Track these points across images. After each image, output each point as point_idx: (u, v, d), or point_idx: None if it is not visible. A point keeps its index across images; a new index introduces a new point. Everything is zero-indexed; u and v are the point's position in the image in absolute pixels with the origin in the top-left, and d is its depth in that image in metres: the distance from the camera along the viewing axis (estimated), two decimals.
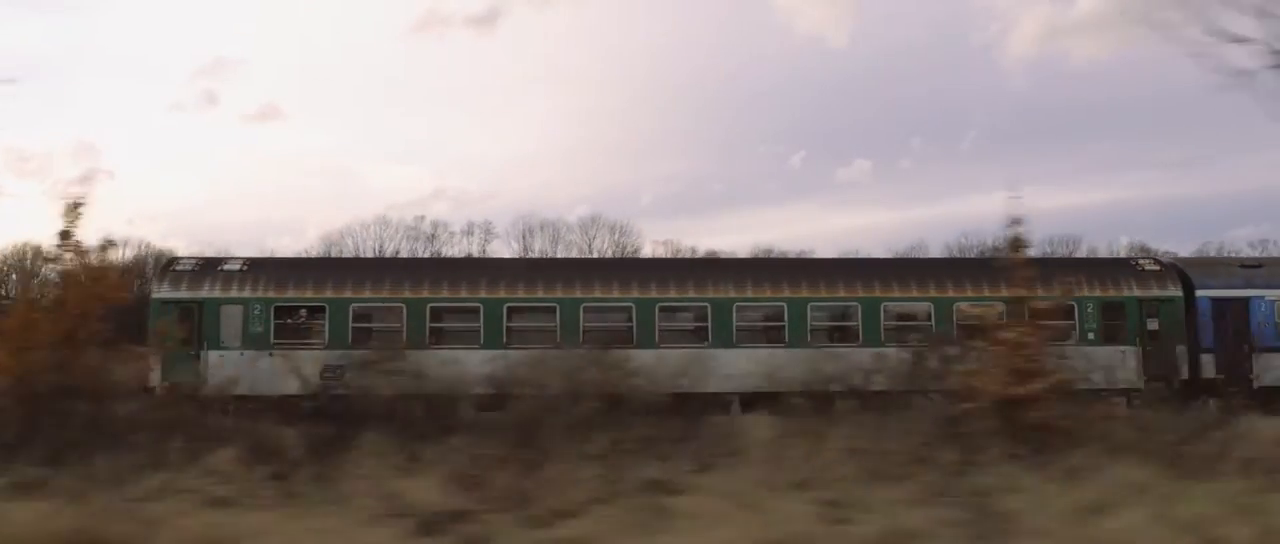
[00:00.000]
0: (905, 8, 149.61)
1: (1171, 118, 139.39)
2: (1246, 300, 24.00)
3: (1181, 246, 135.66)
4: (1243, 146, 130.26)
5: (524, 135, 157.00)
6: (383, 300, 22.49)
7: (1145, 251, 23.85)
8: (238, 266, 23.07)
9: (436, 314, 22.69)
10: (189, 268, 22.97)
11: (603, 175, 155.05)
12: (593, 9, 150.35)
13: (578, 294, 23.04)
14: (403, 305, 22.36)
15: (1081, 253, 71.25)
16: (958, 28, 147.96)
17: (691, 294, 23.32)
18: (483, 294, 22.83)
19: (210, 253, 29.54)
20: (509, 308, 22.65)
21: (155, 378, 21.43)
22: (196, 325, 21.84)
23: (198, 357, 21.67)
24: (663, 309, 23.07)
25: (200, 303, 21.93)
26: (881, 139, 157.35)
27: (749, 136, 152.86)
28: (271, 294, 22.18)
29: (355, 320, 22.13)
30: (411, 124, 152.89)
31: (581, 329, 22.31)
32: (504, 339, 22.42)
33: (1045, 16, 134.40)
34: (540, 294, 23.07)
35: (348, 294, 22.38)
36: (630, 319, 22.98)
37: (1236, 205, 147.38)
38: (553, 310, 22.87)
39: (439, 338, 22.35)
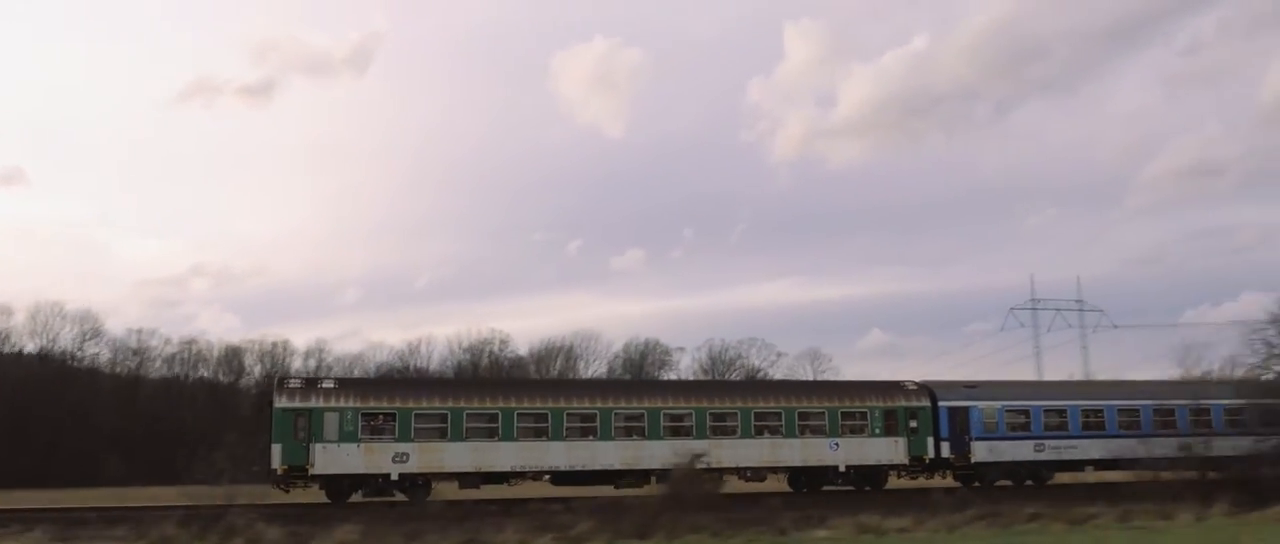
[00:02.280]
0: (679, 103, 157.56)
1: (919, 219, 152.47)
2: (968, 408, 38.47)
3: (925, 338, 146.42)
4: (981, 248, 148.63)
5: (292, 211, 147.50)
6: (433, 408, 33.43)
7: (907, 378, 37.21)
8: (332, 385, 33.51)
9: (458, 417, 33.66)
10: (298, 386, 33.16)
11: (375, 255, 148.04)
12: (372, 84, 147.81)
13: (512, 404, 34.10)
14: (448, 412, 33.39)
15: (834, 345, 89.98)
16: (728, 125, 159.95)
17: (587, 405, 34.99)
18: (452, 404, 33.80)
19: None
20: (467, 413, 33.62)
21: (276, 460, 31.51)
22: (307, 425, 32.01)
23: (308, 447, 31.83)
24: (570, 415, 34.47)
25: (309, 410, 32.17)
26: (655, 229, 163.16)
27: (526, 222, 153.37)
28: (357, 404, 32.70)
29: (416, 422, 32.93)
30: (171, 195, 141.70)
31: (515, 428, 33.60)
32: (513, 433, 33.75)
33: (809, 119, 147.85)
34: (486, 404, 34.06)
35: (410, 405, 33.21)
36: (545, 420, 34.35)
37: (973, 302, 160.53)
38: (496, 416, 33.96)
39: (466, 434, 33.42)
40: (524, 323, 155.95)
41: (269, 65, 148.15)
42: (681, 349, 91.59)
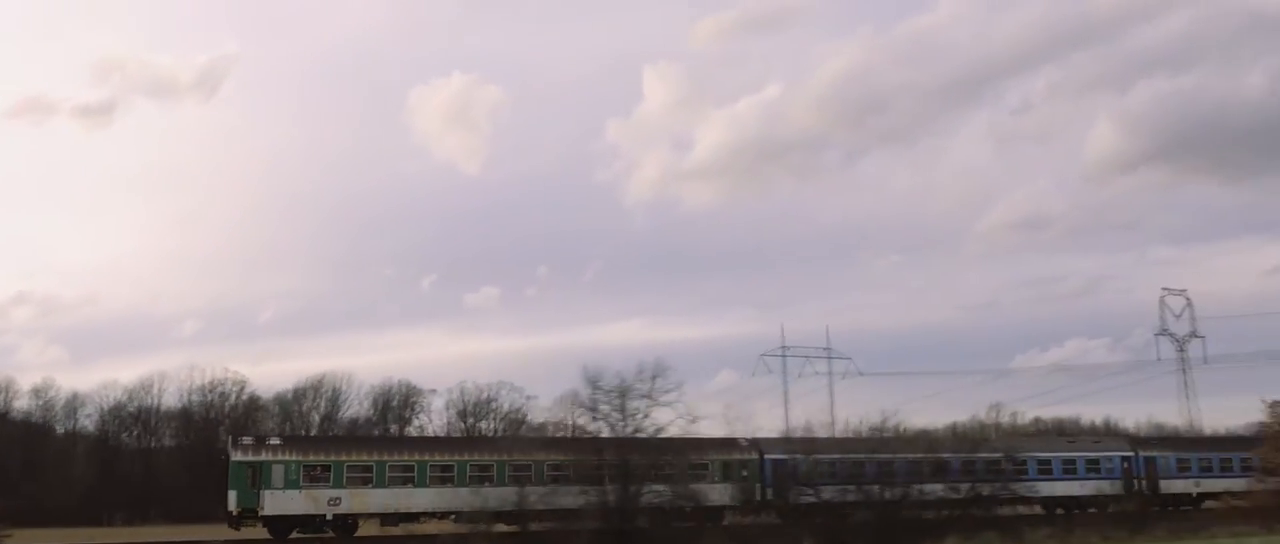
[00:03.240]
0: (537, 142, 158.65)
1: (765, 261, 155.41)
2: (793, 460, 48.37)
3: (771, 376, 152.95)
4: (823, 291, 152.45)
5: (128, 238, 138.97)
6: (361, 462, 41.27)
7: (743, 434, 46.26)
8: (278, 442, 41.02)
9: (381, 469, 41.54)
10: (250, 443, 40.55)
11: (216, 287, 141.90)
12: (220, 108, 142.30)
13: (425, 458, 42.44)
14: (373, 464, 41.30)
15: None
16: (585, 164, 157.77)
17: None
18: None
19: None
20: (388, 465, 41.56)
21: (232, 503, 38.78)
22: (256, 475, 39.39)
23: (257, 492, 39.18)
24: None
25: (260, 464, 39.59)
26: (509, 267, 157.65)
27: (376, 256, 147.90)
28: (299, 458, 40.29)
29: (349, 471, 40.67)
30: None
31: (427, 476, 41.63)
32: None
33: (665, 161, 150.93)
34: (403, 458, 42.22)
35: (344, 458, 40.99)
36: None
37: (818, 342, 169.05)
38: (412, 467, 42.09)
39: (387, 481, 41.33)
40: (372, 358, 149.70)
41: (111, 86, 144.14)
42: (433, 391, 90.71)
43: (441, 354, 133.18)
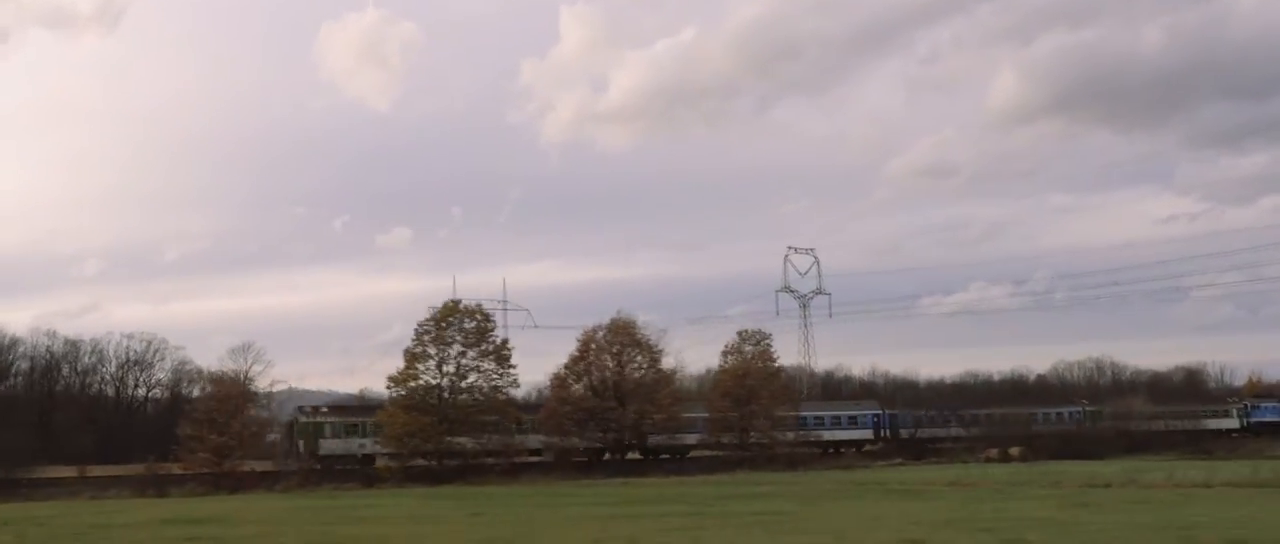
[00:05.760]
0: (451, 80, 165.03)
1: (678, 204, 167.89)
2: None
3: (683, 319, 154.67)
4: (735, 235, 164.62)
5: (21, 174, 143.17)
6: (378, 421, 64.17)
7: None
8: (326, 409, 63.65)
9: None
10: (309, 410, 62.90)
11: (116, 226, 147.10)
12: (120, 42, 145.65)
13: None
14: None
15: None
16: (498, 105, 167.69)
17: None
18: None
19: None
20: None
21: (301, 448, 61.32)
22: (316, 430, 61.88)
23: (317, 440, 61.67)
24: None
25: (318, 423, 62.14)
26: (422, 208, 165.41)
27: (284, 195, 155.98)
28: (341, 419, 62.98)
29: (371, 427, 63.50)
30: None
31: None
32: None
33: (579, 102, 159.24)
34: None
35: (367, 419, 63.86)
36: None
37: (728, 285, 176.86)
38: None
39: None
40: (283, 298, 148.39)
41: (6, 14, 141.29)
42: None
43: (355, 294, 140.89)
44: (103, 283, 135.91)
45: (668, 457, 62.19)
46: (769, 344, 65.89)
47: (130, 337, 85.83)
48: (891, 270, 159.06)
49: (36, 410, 73.78)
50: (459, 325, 55.84)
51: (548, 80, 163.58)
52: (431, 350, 55.51)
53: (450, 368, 55.68)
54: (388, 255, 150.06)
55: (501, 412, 56.59)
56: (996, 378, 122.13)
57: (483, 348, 56.05)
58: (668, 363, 63.18)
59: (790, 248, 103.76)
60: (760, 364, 64.93)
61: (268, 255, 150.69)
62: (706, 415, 63.69)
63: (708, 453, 62.57)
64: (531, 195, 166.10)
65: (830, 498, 31.27)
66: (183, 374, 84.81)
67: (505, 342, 56.80)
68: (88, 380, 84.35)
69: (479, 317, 56.21)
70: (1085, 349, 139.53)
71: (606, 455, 59.54)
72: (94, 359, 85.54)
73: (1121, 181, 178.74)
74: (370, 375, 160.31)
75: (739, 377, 62.90)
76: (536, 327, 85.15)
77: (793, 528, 21.22)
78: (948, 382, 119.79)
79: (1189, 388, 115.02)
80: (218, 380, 57.57)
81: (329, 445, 60.89)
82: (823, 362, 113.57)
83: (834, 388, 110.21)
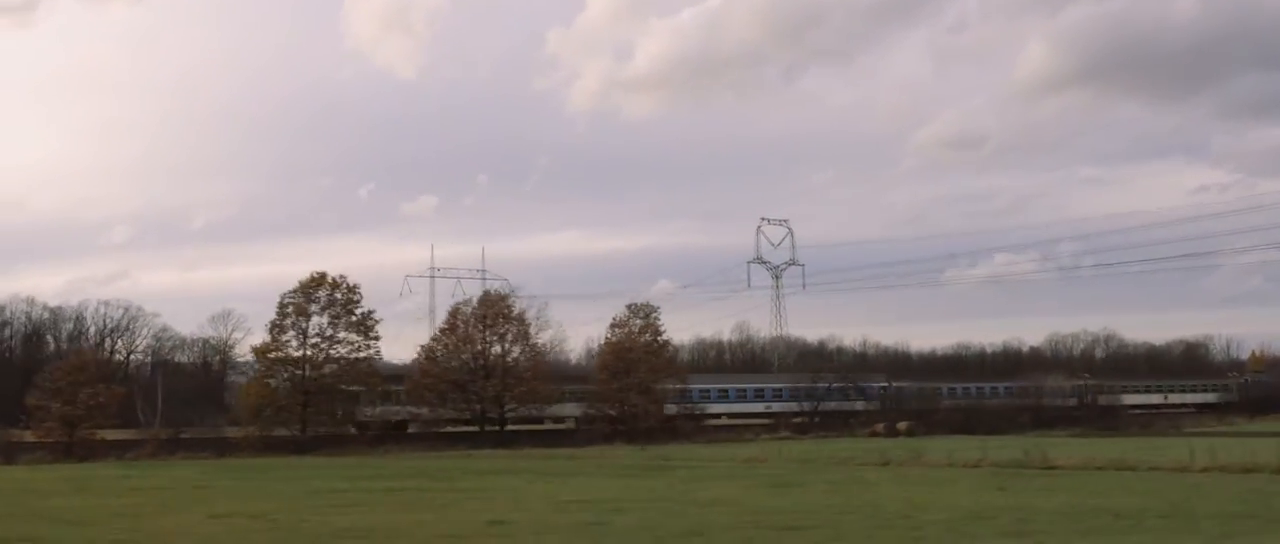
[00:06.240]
0: (474, 49, 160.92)
1: (704, 174, 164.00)
2: None
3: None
4: (761, 205, 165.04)
5: (52, 142, 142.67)
6: None
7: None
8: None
9: None
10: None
11: (147, 193, 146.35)
12: (146, 11, 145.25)
13: None
14: None
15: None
16: (524, 73, 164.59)
17: None
18: None
19: None
20: None
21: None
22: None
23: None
24: None
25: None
26: (448, 176, 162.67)
27: (310, 163, 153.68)
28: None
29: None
30: None
31: None
32: None
33: (605, 70, 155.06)
34: None
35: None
36: None
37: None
38: None
39: None
40: (308, 266, 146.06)
41: None
42: None
43: (379, 261, 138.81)
44: (132, 250, 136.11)
45: (546, 429, 61.89)
46: (657, 317, 65.61)
47: (107, 304, 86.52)
48: (907, 239, 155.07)
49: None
50: (325, 299, 55.51)
51: (574, 48, 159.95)
52: (295, 323, 55.20)
53: (315, 340, 55.39)
54: (413, 223, 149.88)
55: (365, 382, 56.38)
56: (989, 351, 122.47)
57: (348, 320, 55.74)
58: (546, 338, 62.62)
59: (763, 219, 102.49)
60: (647, 337, 64.68)
61: (294, 223, 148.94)
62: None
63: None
64: (558, 163, 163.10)
65: (556, 475, 31.01)
66: (164, 340, 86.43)
67: (370, 313, 56.46)
68: (70, 349, 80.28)
69: (343, 289, 55.84)
70: (1101, 322, 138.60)
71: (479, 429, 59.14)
72: (76, 328, 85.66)
73: (1152, 153, 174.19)
74: (397, 344, 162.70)
75: (620, 350, 62.66)
76: (519, 295, 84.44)
77: (425, 505, 21.09)
78: (939, 354, 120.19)
79: (1186, 363, 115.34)
80: (77, 352, 57.35)
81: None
82: (817, 332, 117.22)
83: (826, 358, 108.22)
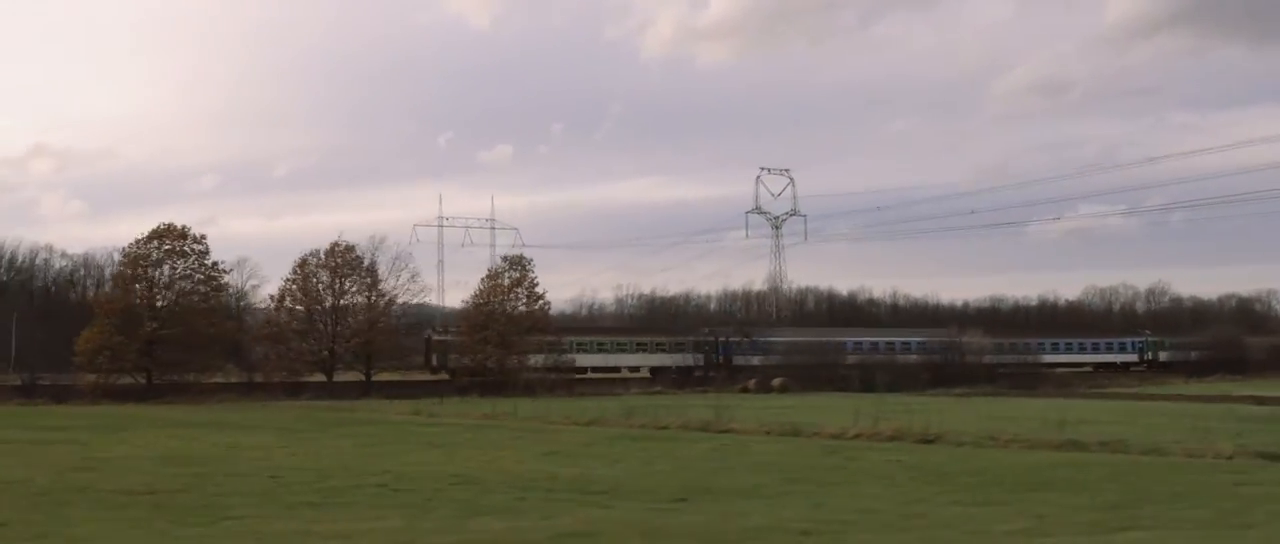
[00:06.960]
0: None
1: (779, 121, 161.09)
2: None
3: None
4: (838, 151, 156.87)
5: (139, 92, 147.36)
6: None
7: None
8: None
9: None
10: (442, 328, 64.17)
11: (232, 142, 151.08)
12: None
13: None
14: None
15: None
16: (596, 21, 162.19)
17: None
18: None
19: None
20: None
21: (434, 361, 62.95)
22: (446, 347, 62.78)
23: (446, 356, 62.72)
24: None
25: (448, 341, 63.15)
26: (523, 124, 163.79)
27: (387, 114, 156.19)
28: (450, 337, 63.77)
29: None
30: (5, 73, 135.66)
31: None
32: None
33: (679, 17, 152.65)
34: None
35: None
36: None
37: (830, 203, 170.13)
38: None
39: None
40: (385, 214, 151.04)
41: None
42: None
43: (457, 209, 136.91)
44: (218, 197, 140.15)
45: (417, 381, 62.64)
46: (531, 270, 65.66)
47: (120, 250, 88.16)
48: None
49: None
50: (173, 248, 56.50)
51: None
52: (143, 272, 56.36)
53: (161, 287, 56.55)
54: (489, 172, 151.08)
55: (219, 330, 57.56)
56: (1019, 303, 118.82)
57: (197, 271, 56.85)
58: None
59: (763, 168, 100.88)
60: (519, 290, 64.83)
61: (372, 173, 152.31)
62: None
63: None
64: (632, 111, 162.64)
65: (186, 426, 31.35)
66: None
67: (216, 264, 57.56)
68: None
69: (196, 240, 56.81)
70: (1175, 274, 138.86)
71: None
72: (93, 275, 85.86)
73: (1249, 98, 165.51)
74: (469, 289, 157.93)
75: (482, 304, 63.12)
76: (525, 246, 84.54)
77: None
78: (971, 307, 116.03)
79: (1238, 316, 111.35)
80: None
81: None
82: (866, 282, 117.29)
83: (857, 309, 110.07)
